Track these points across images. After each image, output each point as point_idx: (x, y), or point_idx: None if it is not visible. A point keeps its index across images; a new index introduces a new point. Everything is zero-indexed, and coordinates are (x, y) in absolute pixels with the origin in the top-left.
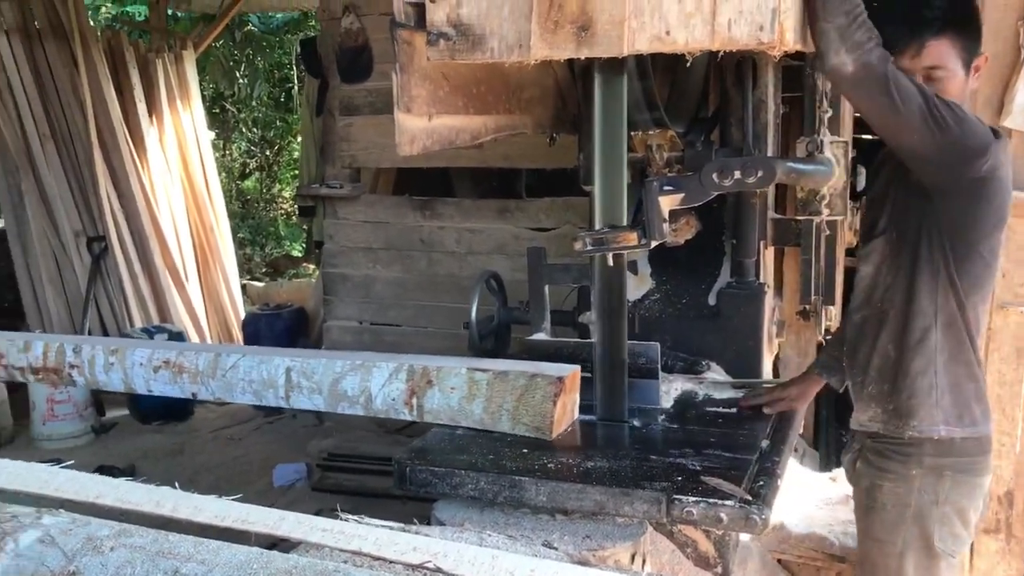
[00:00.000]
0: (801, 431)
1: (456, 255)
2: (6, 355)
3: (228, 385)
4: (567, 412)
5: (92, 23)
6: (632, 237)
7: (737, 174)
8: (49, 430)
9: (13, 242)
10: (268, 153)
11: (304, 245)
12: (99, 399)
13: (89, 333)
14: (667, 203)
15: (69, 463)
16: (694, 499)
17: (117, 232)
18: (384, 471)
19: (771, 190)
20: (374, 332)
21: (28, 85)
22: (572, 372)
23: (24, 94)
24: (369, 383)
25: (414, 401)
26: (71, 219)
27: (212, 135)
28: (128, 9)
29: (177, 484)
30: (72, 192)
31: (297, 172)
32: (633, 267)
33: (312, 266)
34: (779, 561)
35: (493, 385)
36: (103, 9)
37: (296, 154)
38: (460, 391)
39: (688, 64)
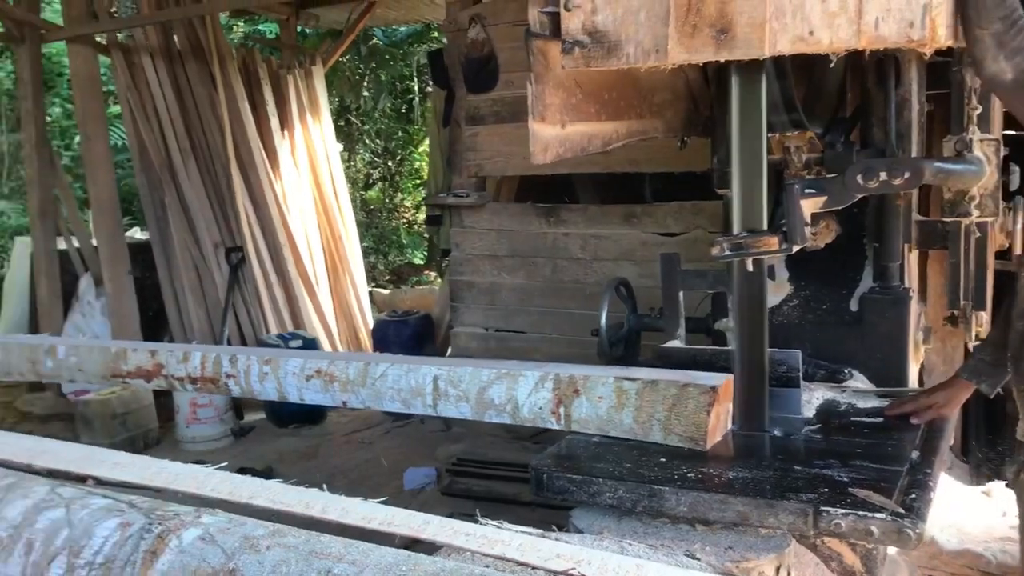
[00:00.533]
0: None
1: (581, 261)
2: (166, 366)
3: (377, 394)
4: (720, 422)
5: (228, 43)
6: (772, 242)
7: (883, 175)
8: (192, 432)
9: (157, 253)
10: (390, 163)
11: (425, 253)
12: (238, 403)
13: (228, 340)
14: (809, 206)
15: (222, 464)
16: (843, 511)
17: (253, 242)
18: (512, 477)
19: (915, 191)
20: (500, 339)
21: (171, 104)
22: (725, 381)
23: (167, 112)
24: (516, 392)
25: (561, 410)
26: (210, 231)
27: (339, 147)
28: (260, 28)
29: (310, 485)
30: (211, 205)
31: (418, 182)
32: (770, 272)
33: (433, 274)
34: None
35: (643, 394)
36: (236, 28)
37: (417, 164)
38: (608, 400)
39: (826, 62)
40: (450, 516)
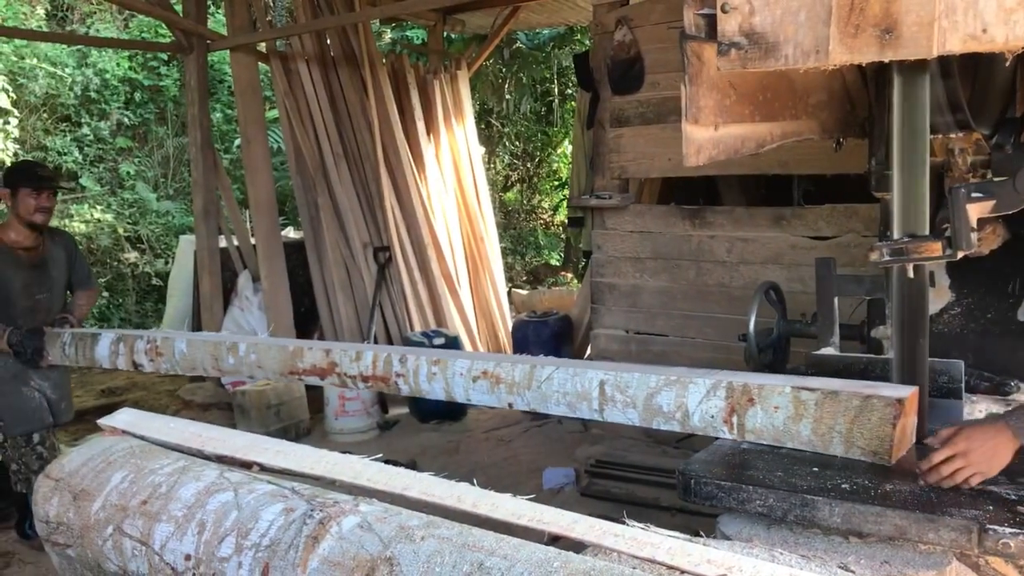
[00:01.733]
0: None
1: (727, 264)
2: (340, 364)
3: (543, 396)
4: (906, 436)
5: (378, 49)
6: (936, 247)
7: None
8: (340, 424)
9: (310, 252)
10: (529, 165)
11: (562, 254)
12: (383, 398)
13: (375, 337)
14: (975, 211)
15: (378, 456)
16: (1012, 530)
17: (399, 243)
18: (653, 481)
19: None
20: (640, 341)
21: (324, 109)
22: (911, 393)
23: (321, 117)
24: (685, 399)
25: (734, 419)
26: (360, 231)
27: (482, 150)
28: (408, 34)
29: (452, 480)
30: (361, 206)
31: (555, 184)
32: (931, 279)
33: (570, 275)
34: None
35: (823, 405)
36: (384, 35)
37: (555, 166)
38: (785, 410)
39: (992, 59)
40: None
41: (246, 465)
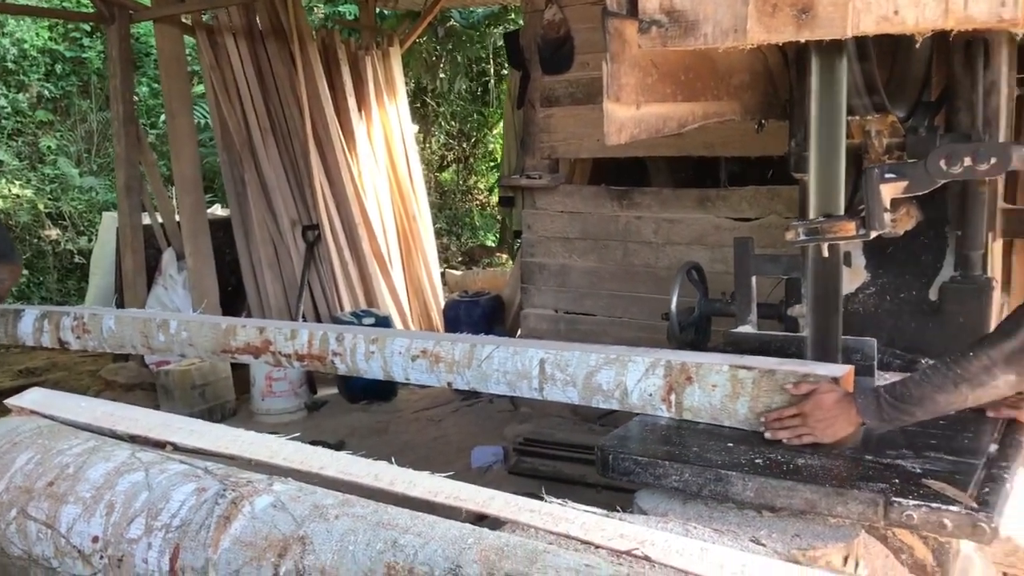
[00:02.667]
0: None
1: (653, 245)
2: (274, 343)
3: (483, 375)
4: None
5: (308, 23)
6: (850, 227)
7: (967, 161)
8: (267, 405)
9: (237, 229)
10: (465, 146)
11: (497, 235)
12: (312, 378)
13: (304, 316)
14: (889, 192)
15: (295, 436)
16: (915, 503)
17: (329, 221)
18: (579, 458)
19: (1001, 178)
20: (569, 321)
21: (252, 83)
22: (847, 372)
23: (248, 92)
24: (625, 377)
25: (672, 398)
26: (288, 208)
27: (415, 128)
28: (340, 9)
29: (380, 460)
30: (289, 183)
31: (492, 164)
32: (847, 259)
33: (505, 255)
34: (1004, 575)
35: (759, 383)
36: (316, 10)
37: (491, 147)
38: (723, 389)
39: (910, 43)
40: (514, 494)
41: (159, 445)
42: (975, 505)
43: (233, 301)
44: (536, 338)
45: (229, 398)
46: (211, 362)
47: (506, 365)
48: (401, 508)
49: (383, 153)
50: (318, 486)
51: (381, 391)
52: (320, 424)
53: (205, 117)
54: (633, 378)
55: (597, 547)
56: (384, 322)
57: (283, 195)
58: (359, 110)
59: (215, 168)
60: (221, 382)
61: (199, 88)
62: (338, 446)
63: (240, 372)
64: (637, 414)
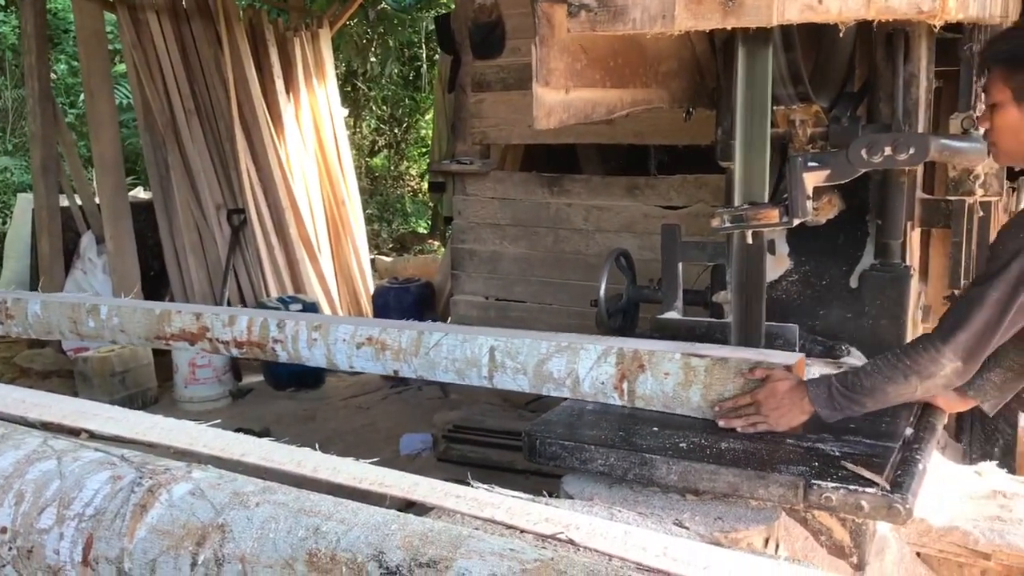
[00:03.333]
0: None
1: (583, 232)
2: (211, 329)
3: (431, 363)
4: None
5: (235, 3)
6: (773, 215)
7: (887, 151)
8: (190, 392)
9: (159, 213)
10: (396, 131)
11: (429, 222)
12: (237, 365)
13: (228, 302)
14: (811, 180)
15: (215, 422)
16: (833, 485)
17: (255, 205)
18: (509, 445)
19: (920, 168)
20: (500, 308)
21: (176, 63)
22: (799, 360)
23: (172, 72)
24: (576, 365)
25: (624, 386)
26: (213, 192)
27: (345, 112)
28: None
29: (316, 446)
30: (214, 166)
31: (424, 150)
32: (771, 247)
33: (437, 242)
34: (918, 555)
35: (712, 371)
36: None
37: (423, 132)
38: (675, 377)
39: (834, 35)
40: (458, 482)
41: (74, 432)
42: (888, 487)
43: (156, 287)
44: (467, 325)
45: (151, 385)
46: (132, 348)
47: (455, 353)
48: (325, 495)
49: (312, 137)
50: (240, 474)
51: (308, 378)
52: (245, 412)
53: (127, 97)
54: (585, 366)
55: (522, 531)
56: (311, 308)
57: (208, 178)
58: (287, 93)
59: (137, 150)
60: (142, 369)
61: (120, 67)
62: (263, 434)
63: (163, 359)
64: (566, 399)
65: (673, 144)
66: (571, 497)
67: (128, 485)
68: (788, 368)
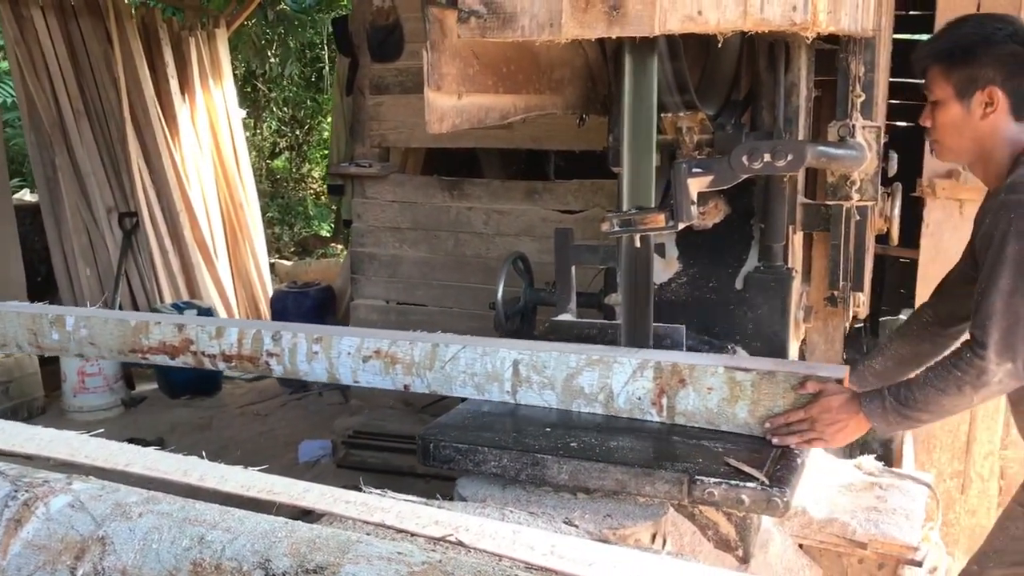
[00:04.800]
0: None
1: (484, 236)
2: (196, 342)
3: (447, 378)
4: None
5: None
6: (660, 219)
7: (767, 157)
8: (80, 402)
9: (47, 216)
10: (298, 133)
11: (332, 225)
12: (129, 373)
13: (120, 307)
14: (696, 185)
15: (98, 432)
16: (715, 480)
17: (148, 208)
18: (409, 449)
19: (801, 175)
20: (400, 312)
21: (63, 60)
22: (847, 373)
23: (59, 70)
24: (610, 380)
25: (663, 401)
26: (103, 194)
27: (243, 113)
28: None
29: (202, 457)
30: (105, 168)
31: (327, 152)
32: (660, 250)
33: (340, 246)
34: (800, 546)
35: (759, 386)
36: None
37: (326, 134)
38: (719, 392)
39: (720, 46)
40: (343, 488)
41: None
42: (766, 481)
43: (43, 292)
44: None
45: (37, 395)
46: (16, 357)
47: (474, 367)
48: (212, 504)
49: (208, 138)
50: (126, 485)
51: (204, 385)
52: (138, 421)
53: (11, 95)
54: (619, 380)
55: (413, 535)
56: (207, 313)
57: (98, 180)
58: (182, 93)
59: (22, 150)
60: (28, 378)
61: (3, 64)
62: (157, 443)
63: (50, 367)
64: (464, 399)
65: (571, 149)
66: (465, 499)
67: (2, 499)
68: (839, 382)
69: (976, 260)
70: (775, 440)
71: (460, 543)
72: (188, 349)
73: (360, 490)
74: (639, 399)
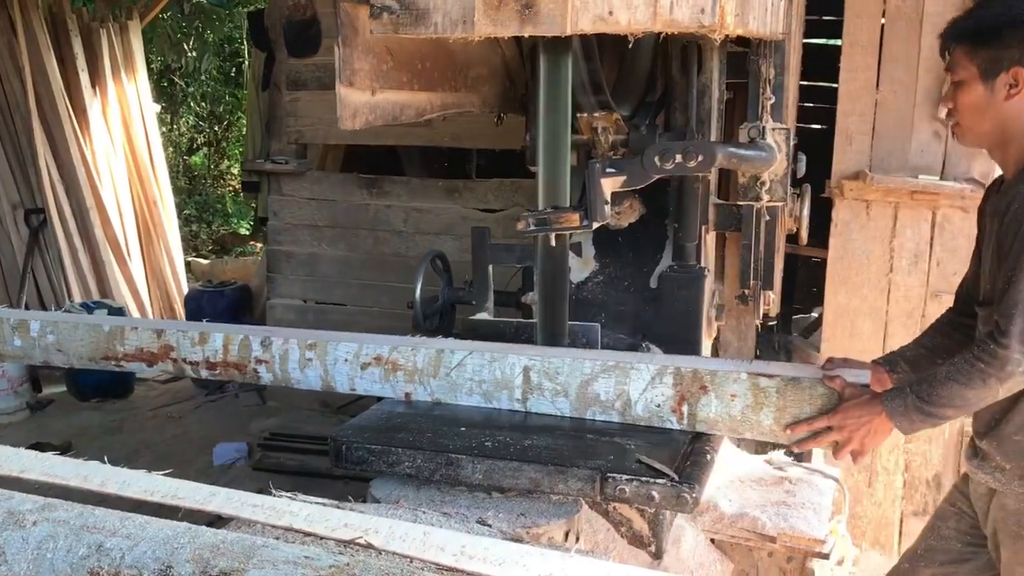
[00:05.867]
0: None
1: (403, 234)
2: (177, 348)
3: (452, 385)
4: None
5: None
6: (574, 218)
7: (678, 158)
8: None
9: None
10: (217, 128)
11: (252, 223)
12: (35, 375)
13: (26, 307)
14: (609, 185)
15: None
16: (627, 477)
17: (56, 205)
18: (326, 451)
19: (714, 175)
20: (318, 311)
21: None
22: (870, 375)
23: None
24: (627, 387)
25: (684, 409)
26: (8, 191)
27: (158, 108)
28: None
29: (112, 461)
30: (9, 163)
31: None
32: (577, 249)
33: (259, 244)
34: (712, 541)
35: (785, 393)
36: None
37: (245, 130)
38: (743, 399)
39: (635, 48)
40: (259, 491)
41: None
42: (675, 477)
43: None
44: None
45: None
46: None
47: (482, 373)
48: (113, 511)
49: (120, 133)
50: (23, 492)
51: (115, 387)
52: (45, 425)
53: None
54: (637, 387)
55: (321, 538)
56: (118, 312)
57: (2, 176)
58: (93, 86)
59: None
60: None
61: None
62: (65, 449)
63: None
64: (381, 398)
65: (491, 148)
66: (378, 501)
67: None
68: (865, 387)
69: (995, 252)
70: (796, 449)
71: (370, 545)
72: (168, 356)
73: (268, 493)
74: (658, 407)
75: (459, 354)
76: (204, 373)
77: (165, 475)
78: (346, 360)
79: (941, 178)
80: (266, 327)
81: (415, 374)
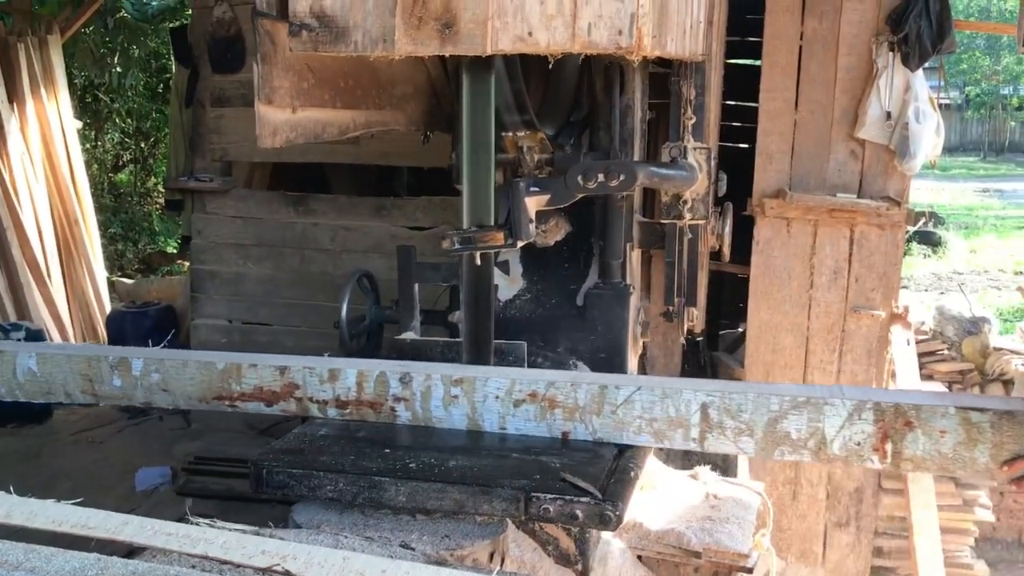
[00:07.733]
0: None
1: (330, 253)
2: (303, 386)
3: (619, 424)
4: None
5: None
6: (499, 237)
7: (600, 177)
8: None
9: None
10: (143, 145)
11: (179, 241)
12: None
13: None
14: (534, 204)
15: None
16: (551, 496)
17: None
18: None
19: (638, 194)
20: (244, 331)
21: None
22: None
23: None
24: (821, 424)
25: (888, 447)
26: None
27: (80, 125)
28: None
29: (28, 489)
30: None
31: None
32: (505, 267)
33: (186, 263)
34: (639, 558)
35: (1000, 428)
36: None
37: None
38: (954, 435)
39: (559, 67)
40: (180, 517)
41: None
42: (599, 496)
43: None
44: (209, 350)
45: None
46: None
47: (652, 411)
48: (17, 543)
49: (40, 151)
50: None
51: (33, 412)
52: None
53: None
54: (833, 425)
55: (238, 566)
56: (37, 335)
57: None
58: (10, 102)
59: None
60: None
61: None
62: None
63: None
64: (305, 418)
65: (420, 166)
66: (300, 526)
67: None
68: None
69: None
70: (1014, 488)
71: (288, 572)
72: (292, 395)
73: (186, 520)
74: (858, 445)
75: (625, 390)
76: (332, 412)
77: (76, 504)
78: (497, 397)
79: (858, 196)
80: (401, 362)
81: (575, 412)
